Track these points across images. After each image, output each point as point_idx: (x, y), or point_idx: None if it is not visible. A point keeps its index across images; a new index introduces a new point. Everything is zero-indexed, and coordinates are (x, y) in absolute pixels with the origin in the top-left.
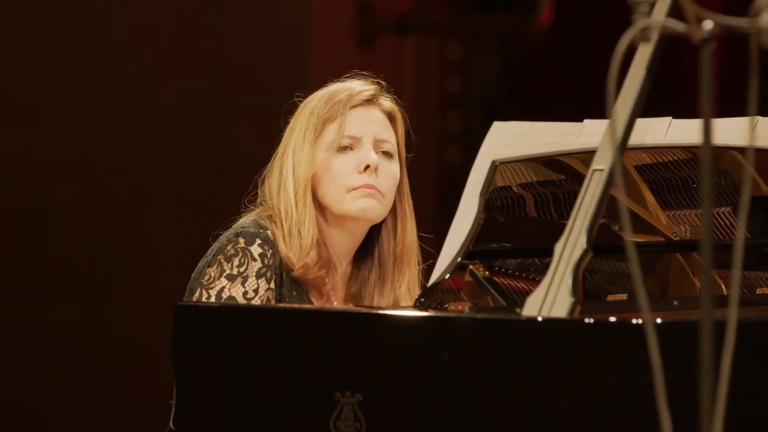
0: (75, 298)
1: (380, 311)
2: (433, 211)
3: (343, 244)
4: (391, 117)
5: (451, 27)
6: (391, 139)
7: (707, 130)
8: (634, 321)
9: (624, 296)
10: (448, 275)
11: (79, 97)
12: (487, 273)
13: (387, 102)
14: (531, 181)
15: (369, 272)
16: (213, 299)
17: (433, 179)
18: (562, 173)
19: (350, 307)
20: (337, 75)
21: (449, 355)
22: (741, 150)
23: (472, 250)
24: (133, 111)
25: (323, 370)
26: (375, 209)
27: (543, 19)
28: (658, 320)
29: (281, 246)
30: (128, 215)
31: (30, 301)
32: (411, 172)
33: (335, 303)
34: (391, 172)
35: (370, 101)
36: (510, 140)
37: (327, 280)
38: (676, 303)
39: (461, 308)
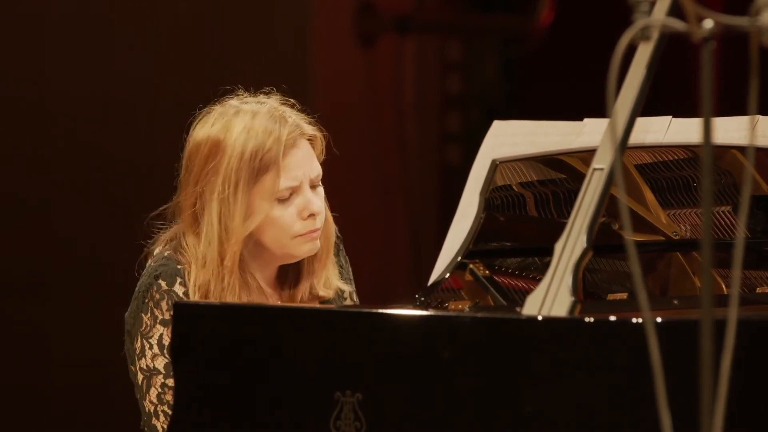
0: (75, 295)
1: (380, 311)
2: (434, 210)
3: (271, 271)
4: (312, 141)
5: (451, 27)
6: (318, 168)
7: (707, 129)
8: (634, 320)
9: (624, 295)
10: (448, 274)
11: (80, 95)
12: (487, 272)
13: (306, 126)
14: (531, 180)
15: (291, 274)
16: (155, 348)
17: (433, 179)
18: (563, 172)
19: (351, 306)
20: (338, 75)
21: (449, 354)
22: (741, 149)
23: (472, 249)
24: (135, 109)
25: (323, 370)
26: (317, 246)
27: (543, 19)
28: (658, 319)
29: (191, 286)
30: (128, 214)
31: (29, 298)
32: (411, 171)
33: None
34: (323, 200)
35: (296, 137)
36: (510, 139)
37: (251, 297)
38: (676, 302)
39: (461, 307)
